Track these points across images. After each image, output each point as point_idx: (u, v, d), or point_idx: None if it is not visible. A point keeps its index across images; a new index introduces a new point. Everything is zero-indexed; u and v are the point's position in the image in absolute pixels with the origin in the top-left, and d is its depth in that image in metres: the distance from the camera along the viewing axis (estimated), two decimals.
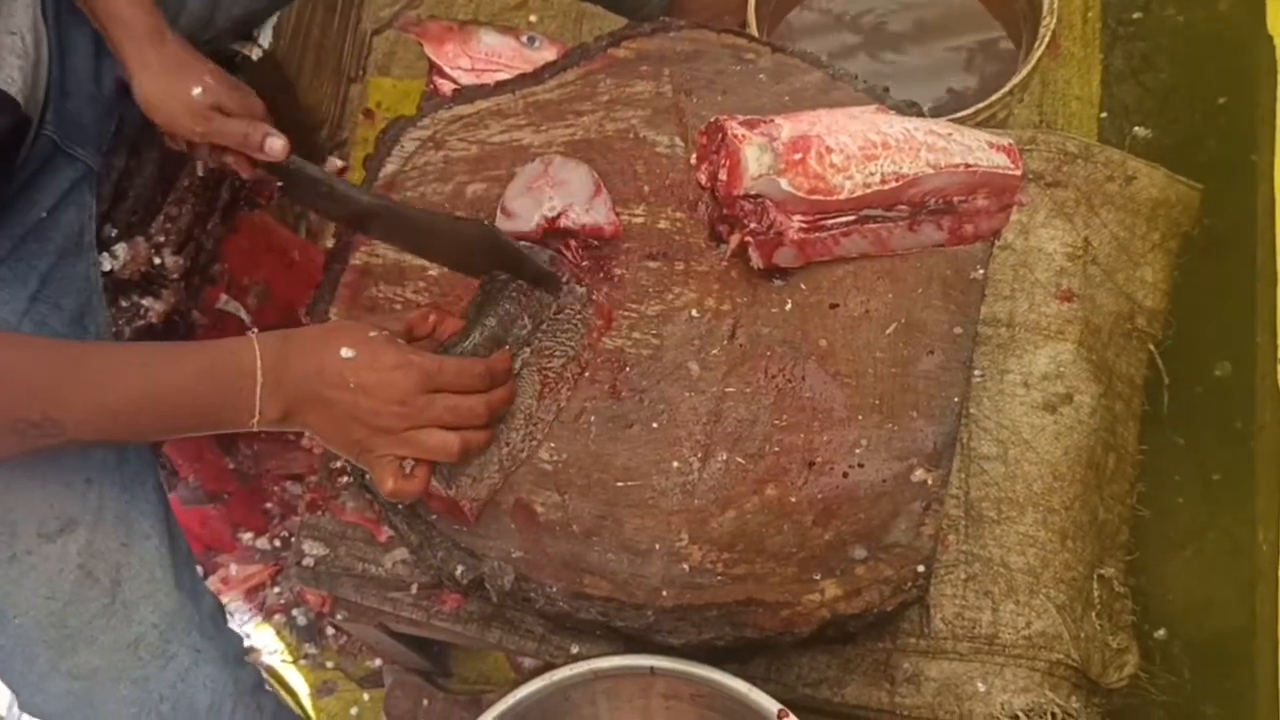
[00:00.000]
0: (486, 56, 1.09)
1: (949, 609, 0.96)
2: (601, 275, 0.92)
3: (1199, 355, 1.13)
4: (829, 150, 0.84)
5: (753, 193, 0.84)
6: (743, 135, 0.84)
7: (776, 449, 0.85)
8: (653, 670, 0.87)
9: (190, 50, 0.88)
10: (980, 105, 1.23)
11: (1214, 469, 1.10)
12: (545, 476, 0.85)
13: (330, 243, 1.03)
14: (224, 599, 1.24)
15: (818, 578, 0.81)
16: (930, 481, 0.83)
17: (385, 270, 0.95)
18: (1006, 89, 1.23)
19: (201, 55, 0.89)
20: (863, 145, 0.85)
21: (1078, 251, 1.10)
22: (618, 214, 0.93)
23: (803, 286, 0.90)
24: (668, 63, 1.02)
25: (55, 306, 0.90)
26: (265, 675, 0.99)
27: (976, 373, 1.04)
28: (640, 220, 0.94)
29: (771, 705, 0.85)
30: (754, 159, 0.83)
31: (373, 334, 0.75)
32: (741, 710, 0.89)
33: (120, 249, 1.04)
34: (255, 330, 0.79)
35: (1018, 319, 1.07)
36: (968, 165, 0.87)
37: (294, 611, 1.38)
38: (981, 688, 0.94)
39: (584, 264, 0.92)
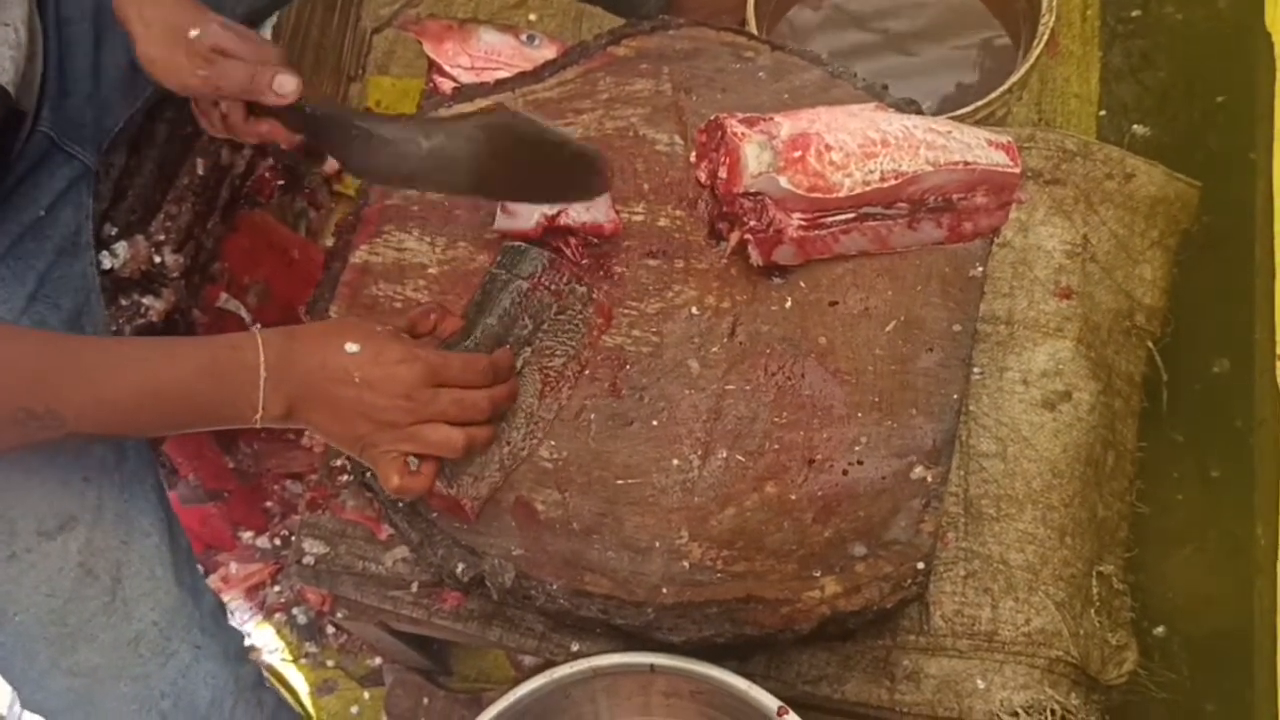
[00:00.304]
0: (486, 55, 1.09)
1: (948, 606, 0.96)
2: (601, 273, 0.92)
3: (1198, 352, 1.13)
4: (828, 148, 0.84)
5: (752, 190, 0.84)
6: (742, 133, 0.84)
7: (776, 446, 0.85)
8: (653, 668, 0.87)
9: (194, 4, 0.82)
10: (979, 103, 1.23)
11: (1213, 466, 1.10)
12: (546, 474, 0.86)
13: (330, 241, 1.03)
14: (224, 597, 1.24)
15: (817, 575, 0.81)
16: (930, 479, 0.84)
17: (385, 268, 0.95)
18: (1005, 87, 1.24)
19: (208, 9, 0.83)
20: (862, 143, 0.85)
21: (1076, 249, 1.10)
22: (617, 212, 0.93)
23: (802, 284, 0.91)
24: (667, 61, 1.02)
25: (54, 306, 0.90)
26: (266, 673, 0.99)
27: (976, 370, 1.04)
28: (640, 218, 0.94)
29: (771, 702, 0.85)
30: (753, 157, 0.83)
31: (377, 329, 0.75)
32: (741, 707, 0.89)
33: (120, 247, 1.04)
34: (258, 326, 0.79)
35: (1017, 316, 1.07)
36: (967, 163, 0.87)
37: (294, 610, 1.38)
38: (981, 685, 0.94)
39: (584, 262, 0.92)
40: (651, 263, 0.92)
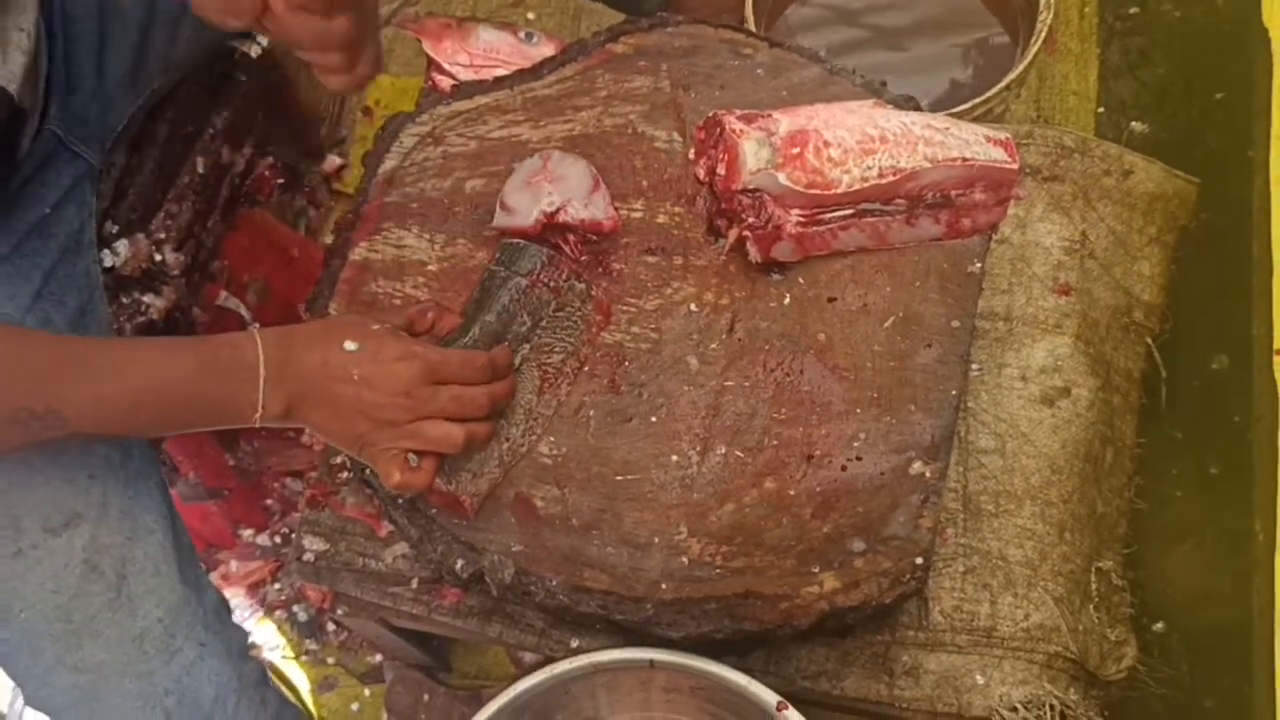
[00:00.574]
0: (484, 53, 1.10)
1: (947, 602, 0.96)
2: (600, 270, 0.92)
3: (1196, 349, 1.13)
4: (827, 145, 0.84)
5: (751, 187, 0.85)
6: (741, 130, 0.84)
7: (775, 442, 0.86)
8: (652, 663, 0.88)
9: None
10: (977, 100, 1.24)
11: (1212, 463, 1.10)
12: (545, 471, 0.86)
13: (329, 239, 1.03)
14: (225, 595, 1.25)
15: (816, 570, 0.81)
16: (928, 474, 0.84)
17: (384, 266, 0.95)
18: (1003, 84, 1.24)
19: None
20: (860, 140, 0.85)
21: (1075, 246, 1.11)
22: (616, 209, 0.94)
23: (801, 281, 0.91)
24: (666, 58, 1.02)
25: (59, 303, 0.90)
26: (268, 671, 1.00)
27: (974, 367, 1.04)
28: (639, 215, 0.94)
29: (770, 697, 0.85)
30: (752, 153, 0.83)
31: (375, 327, 0.76)
32: (741, 703, 0.89)
33: (121, 246, 1.04)
34: (257, 326, 0.79)
35: (1015, 313, 1.07)
36: (965, 159, 0.87)
37: (295, 607, 1.39)
38: (980, 680, 0.94)
39: (583, 259, 0.92)
40: (650, 259, 0.93)
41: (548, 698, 0.93)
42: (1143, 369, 1.14)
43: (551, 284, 0.88)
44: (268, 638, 1.39)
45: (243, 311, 1.23)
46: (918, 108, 0.96)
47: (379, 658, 1.36)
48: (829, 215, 0.87)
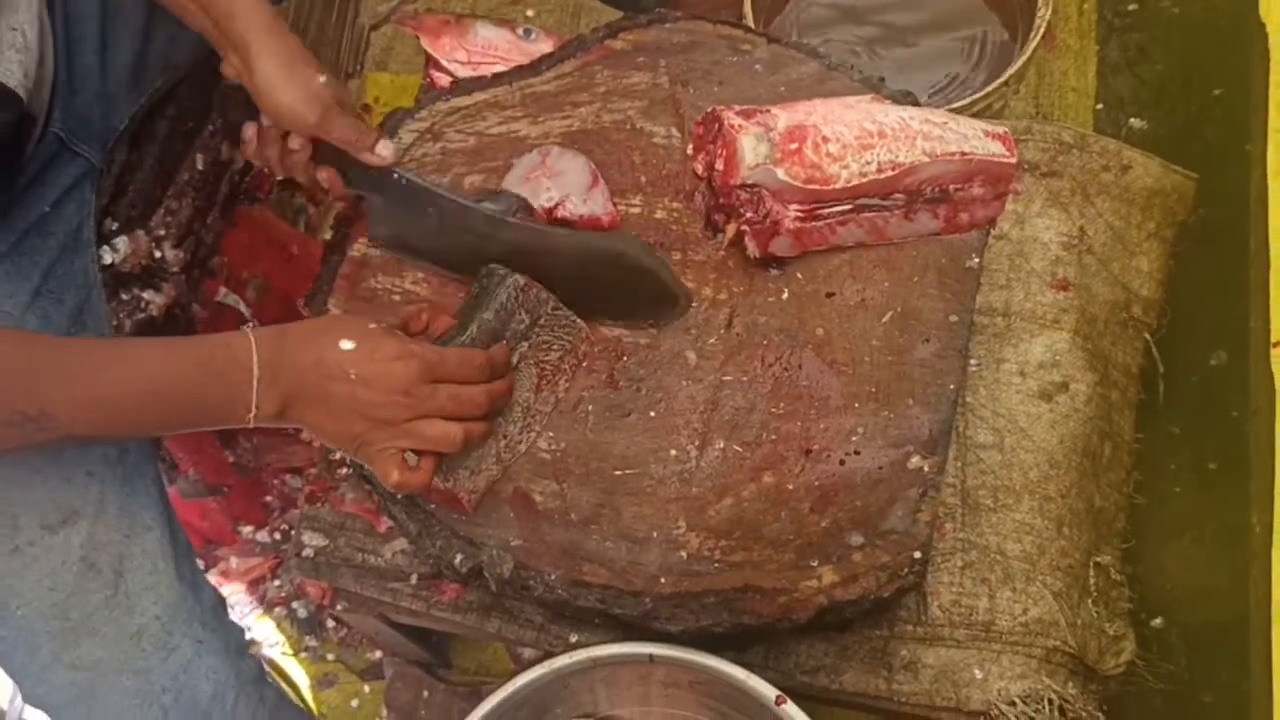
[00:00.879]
0: (483, 49, 1.10)
1: (946, 596, 0.96)
2: None
3: (1195, 344, 1.13)
4: (825, 140, 0.84)
5: (749, 182, 0.85)
6: (739, 125, 0.84)
7: (774, 437, 0.86)
8: (651, 658, 0.88)
9: (309, 51, 0.85)
10: (975, 96, 1.24)
11: (1210, 458, 1.10)
12: (544, 465, 0.86)
13: (328, 235, 1.04)
14: (224, 592, 1.25)
15: (815, 564, 0.81)
16: (927, 469, 0.84)
17: (383, 262, 0.95)
18: (1001, 80, 1.24)
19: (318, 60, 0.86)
20: (859, 134, 0.85)
21: (1073, 241, 1.11)
22: (615, 204, 0.94)
23: (799, 275, 0.91)
24: (664, 54, 1.02)
25: (58, 301, 0.90)
26: (266, 667, 1.00)
27: (973, 362, 1.04)
28: (637, 210, 0.94)
29: (769, 691, 0.86)
30: (750, 149, 0.83)
31: (372, 326, 0.75)
32: (740, 697, 0.89)
33: (121, 242, 1.04)
34: (255, 323, 0.79)
35: (1013, 308, 1.07)
36: (963, 153, 0.87)
37: (294, 604, 1.39)
38: (978, 674, 0.94)
39: None
40: None
41: (547, 692, 0.93)
42: (1141, 364, 1.14)
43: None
44: (267, 634, 1.39)
45: (242, 308, 1.23)
46: (916, 103, 0.96)
47: (378, 654, 1.36)
48: (827, 210, 0.87)
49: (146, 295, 1.08)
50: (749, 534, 0.83)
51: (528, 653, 1.18)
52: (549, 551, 0.83)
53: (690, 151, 0.94)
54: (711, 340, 0.89)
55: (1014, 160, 0.89)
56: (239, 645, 0.94)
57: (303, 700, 1.36)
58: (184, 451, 1.26)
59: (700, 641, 0.85)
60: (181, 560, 0.89)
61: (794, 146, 0.84)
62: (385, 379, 0.73)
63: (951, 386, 0.87)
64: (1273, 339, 0.90)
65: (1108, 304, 1.11)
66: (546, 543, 0.84)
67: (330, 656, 1.38)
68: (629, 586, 0.82)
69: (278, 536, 1.40)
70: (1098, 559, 1.02)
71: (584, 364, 0.89)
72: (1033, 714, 0.93)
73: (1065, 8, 1.51)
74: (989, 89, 1.24)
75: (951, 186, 0.89)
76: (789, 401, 0.87)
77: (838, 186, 0.85)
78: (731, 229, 0.89)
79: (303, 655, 1.38)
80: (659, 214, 0.94)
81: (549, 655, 0.91)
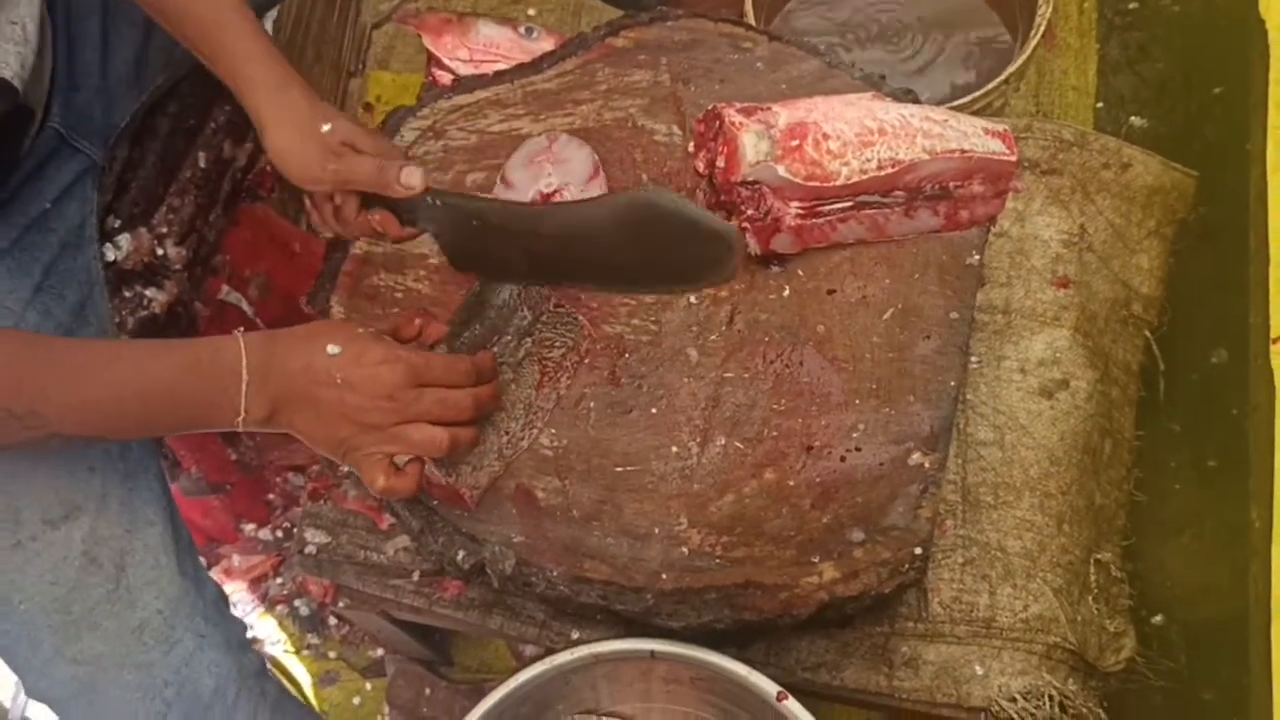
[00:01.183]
0: (485, 47, 1.10)
1: (946, 593, 0.97)
2: None
3: (1195, 342, 1.13)
4: (826, 137, 0.84)
5: (750, 179, 0.85)
6: (740, 122, 0.84)
7: (775, 433, 0.86)
8: (653, 654, 0.88)
9: (317, 97, 0.85)
10: (976, 94, 1.24)
11: (1210, 456, 1.10)
12: (545, 462, 0.86)
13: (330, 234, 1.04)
14: (226, 590, 1.26)
15: (816, 560, 0.81)
16: (927, 465, 0.84)
17: (386, 259, 0.95)
18: (1002, 78, 1.24)
19: (329, 104, 0.86)
20: (859, 132, 0.85)
21: (1074, 238, 1.11)
22: None
23: (800, 273, 0.91)
24: (665, 52, 1.02)
25: (59, 297, 0.90)
26: (268, 664, 1.00)
27: (973, 359, 1.04)
28: None
29: (770, 688, 0.86)
30: (751, 146, 0.84)
31: (360, 331, 0.75)
32: (741, 693, 0.89)
33: (123, 239, 1.04)
34: (258, 321, 0.79)
35: (1014, 305, 1.07)
36: (963, 151, 0.87)
37: (296, 602, 1.39)
38: (979, 670, 0.95)
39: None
40: None
41: (549, 688, 0.93)
42: (1141, 361, 1.14)
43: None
44: (269, 632, 1.40)
45: (244, 306, 1.23)
46: (916, 100, 0.96)
47: (380, 652, 1.36)
48: (828, 207, 0.87)
49: (149, 293, 1.08)
50: (750, 530, 0.83)
51: (529, 650, 1.18)
52: (551, 548, 0.83)
53: (691, 149, 0.94)
54: (713, 337, 0.89)
55: (1014, 158, 0.89)
56: (241, 640, 0.94)
57: (305, 698, 1.36)
58: (186, 449, 1.26)
59: (702, 638, 0.86)
60: (183, 555, 0.90)
61: (795, 144, 0.84)
62: (371, 384, 0.73)
63: (952, 383, 0.87)
64: (1272, 335, 0.90)
65: (1108, 301, 1.11)
66: (548, 539, 0.84)
67: (332, 654, 1.38)
68: (630, 583, 0.82)
69: (280, 534, 1.40)
70: (1098, 556, 1.02)
71: (586, 361, 0.89)
72: (1033, 710, 0.93)
73: (1065, 6, 1.51)
74: (989, 86, 1.24)
75: (952, 184, 0.89)
76: (790, 398, 0.87)
77: (838, 183, 0.85)
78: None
79: (305, 653, 1.39)
80: None
81: (551, 652, 0.91)
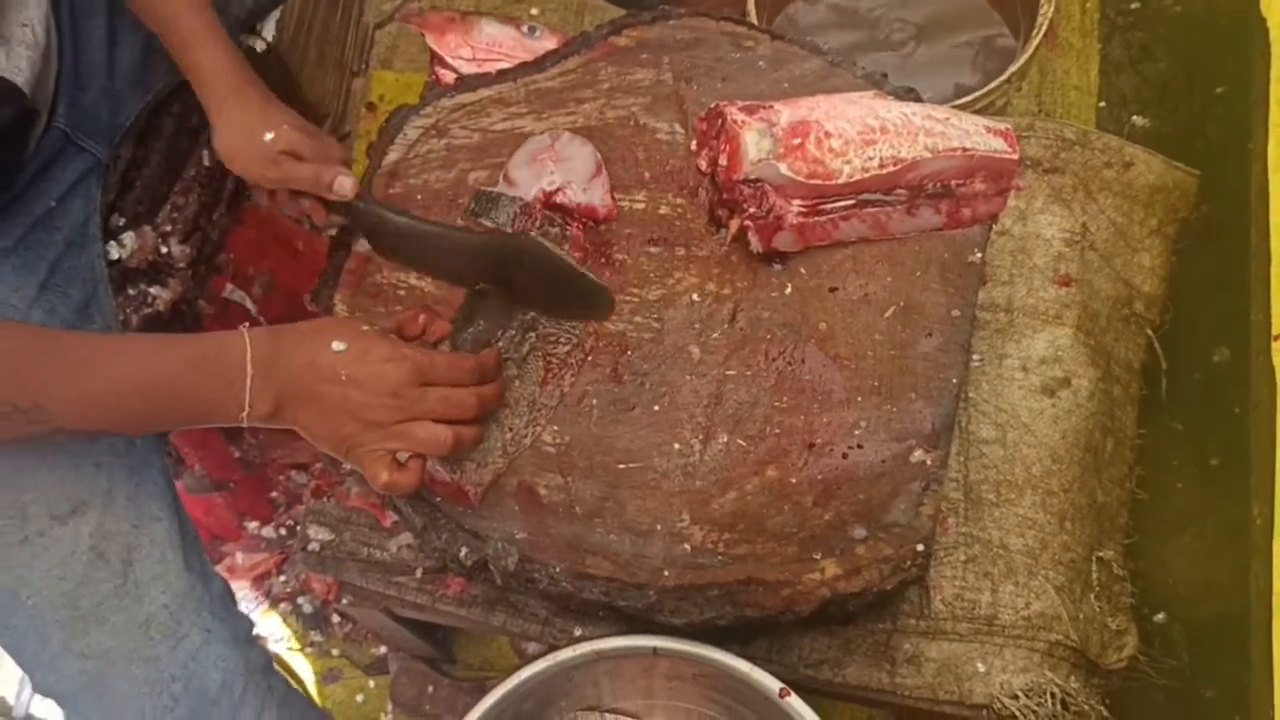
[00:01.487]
0: (488, 46, 1.11)
1: (948, 590, 0.97)
2: (603, 260, 0.93)
3: (1197, 341, 1.14)
4: (828, 135, 0.85)
5: (752, 177, 0.85)
6: (742, 121, 0.85)
7: (777, 431, 0.86)
8: (655, 651, 0.88)
9: (270, 100, 0.91)
10: (978, 93, 1.24)
11: (1212, 454, 1.10)
12: (548, 459, 0.86)
13: (334, 232, 1.04)
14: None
15: (818, 557, 0.82)
16: (929, 462, 0.84)
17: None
18: (1004, 77, 1.24)
19: (282, 105, 0.91)
20: (861, 130, 0.85)
21: (1075, 237, 1.11)
22: (616, 199, 0.94)
23: (802, 270, 0.91)
24: (668, 51, 1.02)
25: (64, 295, 0.91)
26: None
27: (975, 357, 1.05)
28: (641, 206, 0.95)
29: (773, 684, 0.86)
30: (753, 144, 0.84)
31: (365, 328, 0.76)
32: (743, 690, 0.90)
33: (128, 238, 1.05)
34: (262, 319, 0.80)
35: (1016, 304, 1.08)
36: (965, 149, 0.87)
37: (300, 599, 1.39)
38: (981, 668, 0.95)
39: (584, 247, 0.93)
40: (653, 250, 0.93)
41: (551, 685, 0.93)
42: (1143, 360, 1.14)
43: (530, 231, 0.88)
44: (273, 630, 1.40)
45: (248, 304, 1.24)
46: (918, 99, 0.96)
47: (383, 649, 1.37)
48: (830, 205, 0.88)
49: (153, 291, 1.08)
50: (752, 527, 0.83)
51: (532, 647, 1.18)
52: (553, 545, 0.84)
53: (694, 147, 0.94)
54: (715, 335, 0.90)
55: (1016, 156, 0.89)
56: (247, 635, 0.94)
57: (308, 695, 1.36)
58: (190, 447, 1.27)
59: (704, 634, 0.86)
60: (190, 550, 0.90)
61: (797, 142, 0.84)
62: (376, 381, 0.73)
63: (954, 380, 0.87)
64: (1274, 332, 0.91)
65: (1110, 300, 1.11)
66: (551, 536, 0.84)
67: (335, 652, 1.39)
68: (633, 579, 0.82)
69: (283, 532, 1.41)
70: (1100, 554, 1.02)
71: (589, 358, 0.90)
72: (1035, 707, 0.93)
73: (1068, 6, 1.51)
74: (991, 85, 1.24)
75: (954, 182, 0.89)
76: (792, 395, 0.87)
77: (840, 182, 0.85)
78: (735, 224, 0.90)
79: (308, 650, 1.39)
80: (663, 209, 0.95)
81: (553, 649, 0.91)
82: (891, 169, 0.86)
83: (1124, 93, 1.47)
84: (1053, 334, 1.07)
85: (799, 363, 0.88)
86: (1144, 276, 1.15)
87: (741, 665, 0.86)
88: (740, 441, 0.86)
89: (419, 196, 0.98)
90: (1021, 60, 1.25)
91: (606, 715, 1.03)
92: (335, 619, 1.38)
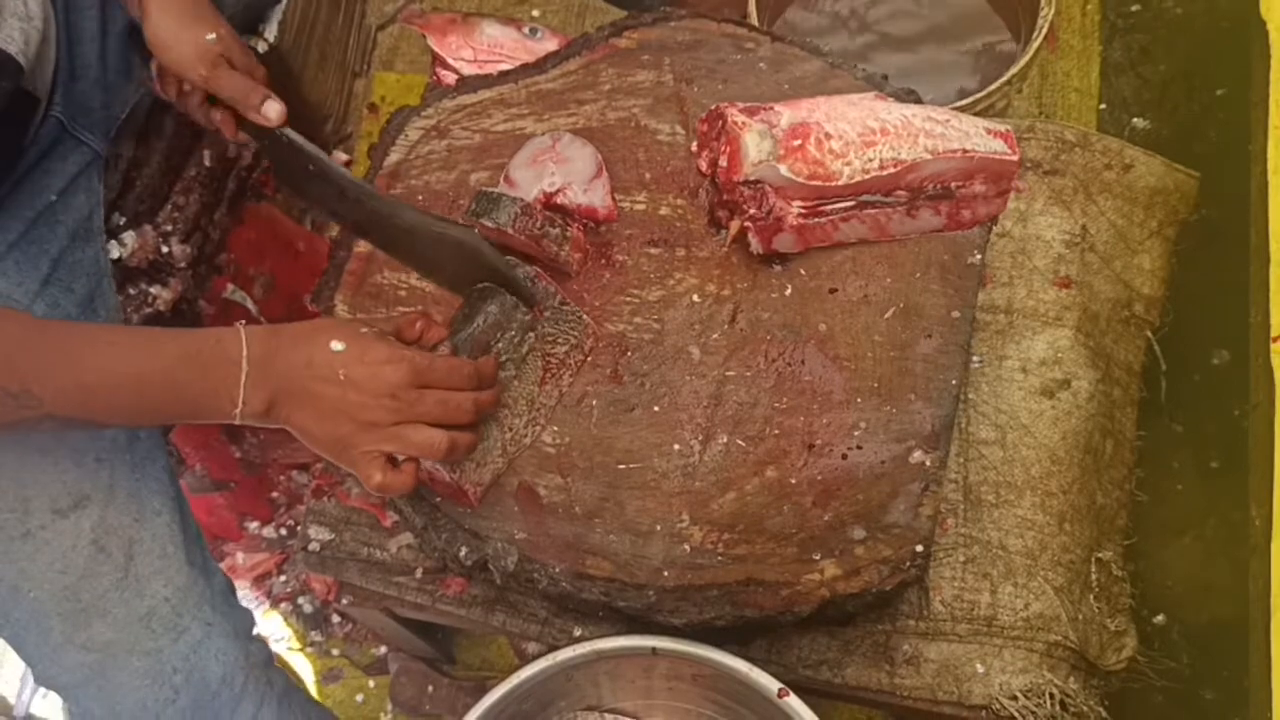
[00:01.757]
0: (489, 48, 1.11)
1: (948, 591, 0.97)
2: (604, 261, 0.93)
3: (1197, 343, 1.14)
4: (828, 136, 0.85)
5: (753, 179, 0.85)
6: (743, 122, 0.85)
7: (776, 431, 0.86)
8: (655, 651, 0.88)
9: (210, 6, 0.90)
10: (979, 95, 1.24)
11: (1212, 456, 1.10)
12: (548, 459, 0.87)
13: (335, 233, 1.04)
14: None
15: (817, 558, 0.82)
16: (928, 463, 0.84)
17: (389, 258, 0.96)
18: (1004, 79, 1.24)
19: (216, 13, 0.90)
20: (861, 131, 0.86)
21: (1075, 239, 1.11)
22: (617, 200, 0.94)
23: (802, 272, 0.91)
24: (669, 52, 1.03)
25: (67, 289, 0.91)
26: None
27: (975, 359, 1.05)
28: (642, 207, 0.95)
29: (772, 684, 0.86)
30: (754, 145, 0.84)
31: (364, 330, 0.75)
32: (742, 690, 0.90)
33: (128, 237, 1.05)
34: (262, 319, 0.80)
35: (1016, 305, 1.08)
36: (965, 150, 0.88)
37: (300, 599, 1.40)
38: (980, 669, 0.95)
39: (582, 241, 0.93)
40: (653, 251, 0.93)
41: (550, 685, 0.93)
42: (1143, 362, 1.14)
43: (528, 235, 0.87)
44: (273, 630, 1.40)
45: (249, 304, 1.24)
46: (918, 101, 0.96)
47: (383, 650, 1.37)
48: (830, 207, 0.88)
49: (153, 290, 1.09)
50: (752, 527, 0.84)
51: (532, 647, 1.18)
52: (553, 545, 0.84)
53: (694, 149, 0.95)
54: (715, 336, 0.90)
55: (1016, 157, 0.90)
56: (248, 629, 0.95)
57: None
58: (191, 447, 1.27)
59: (703, 635, 0.86)
60: (191, 545, 0.90)
61: (797, 143, 0.84)
62: (373, 382, 0.73)
63: (953, 382, 0.87)
64: (1273, 334, 0.91)
65: (1110, 301, 1.11)
66: (551, 536, 0.84)
67: (335, 652, 1.39)
68: (633, 579, 0.82)
69: (284, 532, 1.41)
70: (1099, 555, 1.03)
71: (589, 359, 0.90)
72: (1034, 708, 0.94)
73: (1068, 8, 1.51)
74: (992, 87, 1.24)
75: (954, 183, 0.89)
76: (792, 396, 0.87)
77: (840, 183, 0.85)
78: (735, 225, 0.90)
79: (308, 650, 1.39)
80: (663, 210, 0.95)
81: (553, 649, 0.92)
82: (892, 170, 0.86)
83: (1124, 95, 1.47)
84: (1052, 336, 1.07)
85: (799, 364, 0.88)
86: (1144, 278, 1.15)
87: (740, 665, 0.87)
88: (740, 442, 0.86)
89: (420, 197, 0.98)
90: (1022, 62, 1.25)
91: (606, 715, 1.03)
92: (335, 619, 1.39)
